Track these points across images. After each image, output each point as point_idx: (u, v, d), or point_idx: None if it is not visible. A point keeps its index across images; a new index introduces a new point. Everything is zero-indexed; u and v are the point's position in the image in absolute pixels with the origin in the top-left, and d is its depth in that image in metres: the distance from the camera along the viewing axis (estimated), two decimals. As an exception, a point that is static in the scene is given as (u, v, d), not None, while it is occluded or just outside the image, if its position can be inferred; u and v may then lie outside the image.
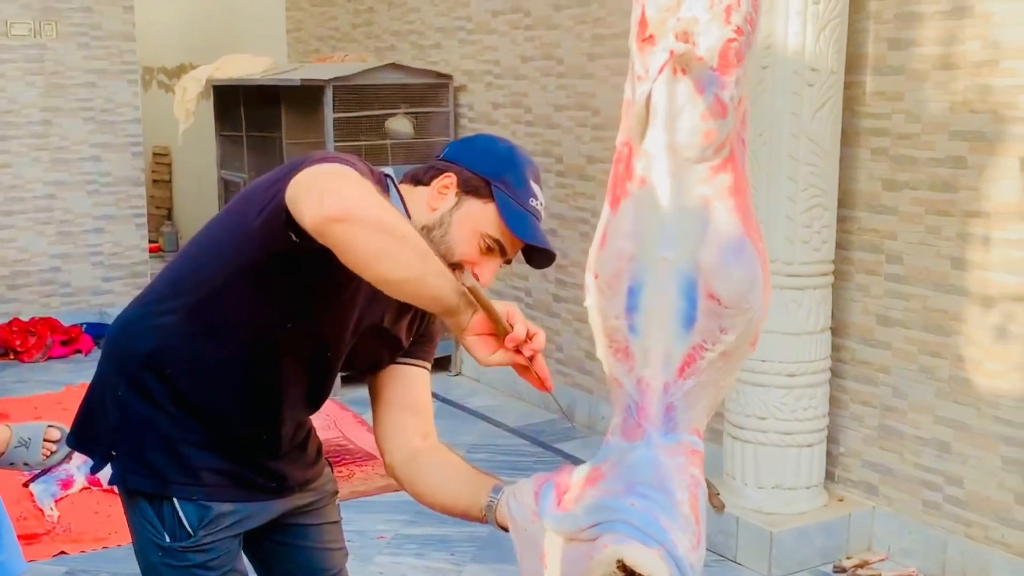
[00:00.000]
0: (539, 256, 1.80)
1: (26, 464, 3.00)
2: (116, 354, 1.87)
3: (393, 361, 1.93)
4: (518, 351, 1.62)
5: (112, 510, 4.01)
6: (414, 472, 1.85)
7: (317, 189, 1.54)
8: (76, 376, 5.76)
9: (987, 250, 3.27)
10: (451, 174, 1.76)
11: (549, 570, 1.68)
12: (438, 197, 1.76)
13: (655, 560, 1.53)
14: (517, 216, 1.74)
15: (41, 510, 3.96)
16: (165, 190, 9.67)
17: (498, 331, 1.61)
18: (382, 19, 6.29)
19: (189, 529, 1.79)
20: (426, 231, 1.73)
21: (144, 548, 1.86)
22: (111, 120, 6.63)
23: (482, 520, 1.76)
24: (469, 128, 5.57)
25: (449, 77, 5.55)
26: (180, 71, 9.23)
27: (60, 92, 6.46)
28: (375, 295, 1.72)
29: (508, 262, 1.82)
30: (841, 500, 3.72)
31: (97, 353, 5.95)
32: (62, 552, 3.69)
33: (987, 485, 3.32)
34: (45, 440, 3.00)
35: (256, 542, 2.00)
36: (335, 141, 5.30)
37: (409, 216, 1.75)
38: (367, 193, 1.55)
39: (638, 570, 1.52)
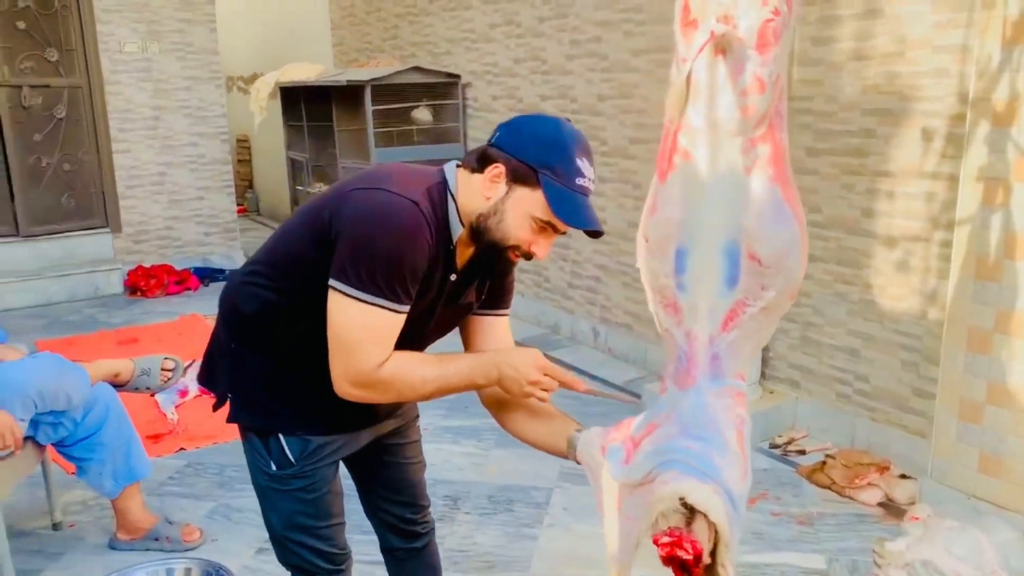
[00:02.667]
0: (589, 231, 1.40)
1: (148, 388, 2.65)
2: (227, 313, 1.54)
3: (483, 313, 1.59)
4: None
5: (219, 413, 3.64)
6: (505, 412, 1.55)
7: (346, 346, 1.36)
8: (186, 308, 5.39)
9: (891, 201, 2.90)
10: (500, 164, 1.38)
11: (618, 514, 1.32)
12: (490, 186, 1.39)
13: (710, 495, 1.19)
14: (564, 200, 1.35)
15: (164, 414, 3.58)
16: (247, 167, 9.20)
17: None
18: (405, 33, 5.77)
19: (292, 459, 1.50)
20: (482, 218, 1.39)
21: (255, 474, 1.56)
22: (204, 115, 6.14)
23: (564, 456, 1.48)
24: (475, 116, 5.13)
25: (458, 76, 5.09)
26: (253, 78, 8.68)
27: (165, 95, 5.96)
28: (444, 280, 1.45)
29: (563, 232, 1.42)
30: (772, 392, 3.40)
31: (203, 290, 5.68)
32: (181, 448, 3.31)
33: (888, 381, 3.01)
34: (162, 369, 2.66)
35: (354, 461, 1.70)
36: (374, 128, 4.86)
37: (459, 210, 1.42)
38: (374, 360, 1.36)
39: (696, 505, 1.18)
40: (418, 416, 1.79)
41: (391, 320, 1.36)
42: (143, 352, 4.49)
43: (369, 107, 4.78)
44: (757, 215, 1.23)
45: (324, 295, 1.37)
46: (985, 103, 2.35)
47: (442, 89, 5.11)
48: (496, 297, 1.61)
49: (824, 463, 2.98)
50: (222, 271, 6.18)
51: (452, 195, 1.41)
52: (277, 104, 6.05)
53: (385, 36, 6.05)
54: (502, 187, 1.38)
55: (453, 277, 1.46)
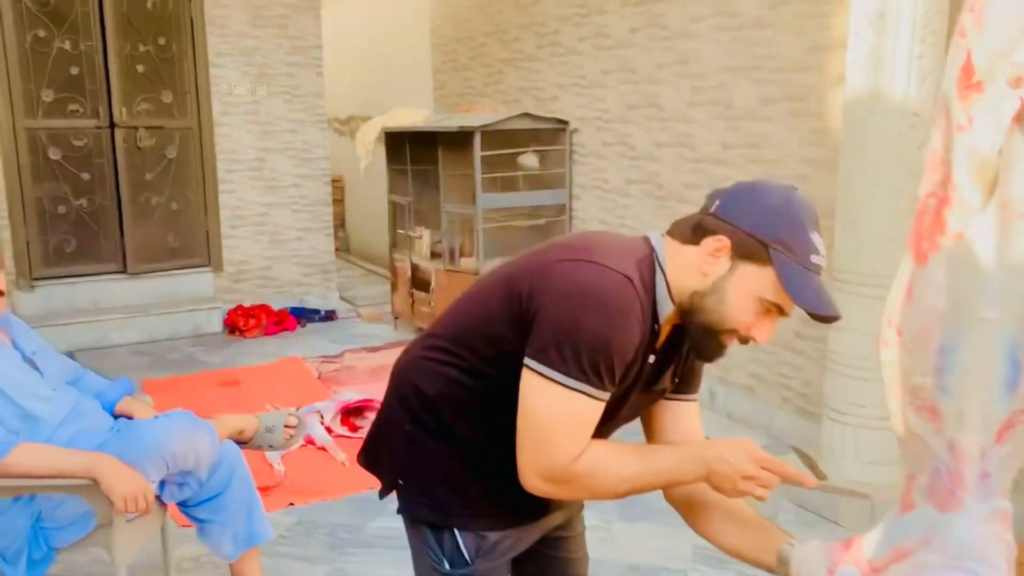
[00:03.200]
0: (823, 316, 1.23)
1: (271, 447, 2.56)
2: (402, 391, 1.40)
3: (672, 397, 1.43)
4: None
5: (328, 465, 3.56)
6: (695, 509, 1.38)
7: (540, 435, 1.22)
8: (284, 349, 5.39)
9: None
10: (724, 237, 1.22)
11: None
12: (710, 261, 1.23)
13: None
14: (799, 280, 1.19)
15: (271, 465, 3.50)
16: (340, 207, 9.31)
17: None
18: (510, 78, 5.74)
19: (467, 557, 1.37)
20: (698, 296, 1.23)
21: (423, 569, 1.43)
22: (307, 157, 6.23)
23: (772, 571, 1.27)
24: (582, 162, 5.02)
25: (566, 122, 5.00)
26: (349, 120, 8.85)
27: (270, 137, 6.07)
28: (643, 363, 1.29)
29: (786, 315, 1.25)
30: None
31: (299, 330, 5.68)
32: (291, 503, 3.23)
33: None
34: (285, 426, 2.57)
35: (520, 558, 1.52)
36: (481, 174, 4.79)
37: (669, 286, 1.26)
38: (576, 455, 1.22)
39: None
40: (583, 507, 1.64)
41: (592, 408, 1.22)
42: (244, 394, 4.52)
43: (478, 152, 4.72)
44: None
45: (517, 377, 1.23)
46: None
47: (549, 135, 5.03)
48: (687, 380, 1.45)
49: None
50: (317, 312, 6.19)
51: (662, 269, 1.26)
52: (381, 147, 6.07)
53: (488, 81, 6.03)
54: (724, 263, 1.22)
55: (652, 359, 1.31)
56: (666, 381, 1.39)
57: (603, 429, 1.35)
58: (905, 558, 1.12)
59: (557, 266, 1.23)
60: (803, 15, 3.47)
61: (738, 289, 1.21)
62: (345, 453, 3.63)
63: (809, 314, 1.22)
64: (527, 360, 1.21)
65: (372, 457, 1.49)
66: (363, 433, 3.81)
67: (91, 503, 2.03)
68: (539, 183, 5.09)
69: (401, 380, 1.42)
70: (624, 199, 4.66)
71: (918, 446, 1.16)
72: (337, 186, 9.27)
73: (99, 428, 2.23)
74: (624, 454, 1.26)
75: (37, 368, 2.21)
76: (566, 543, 1.58)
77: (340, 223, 9.34)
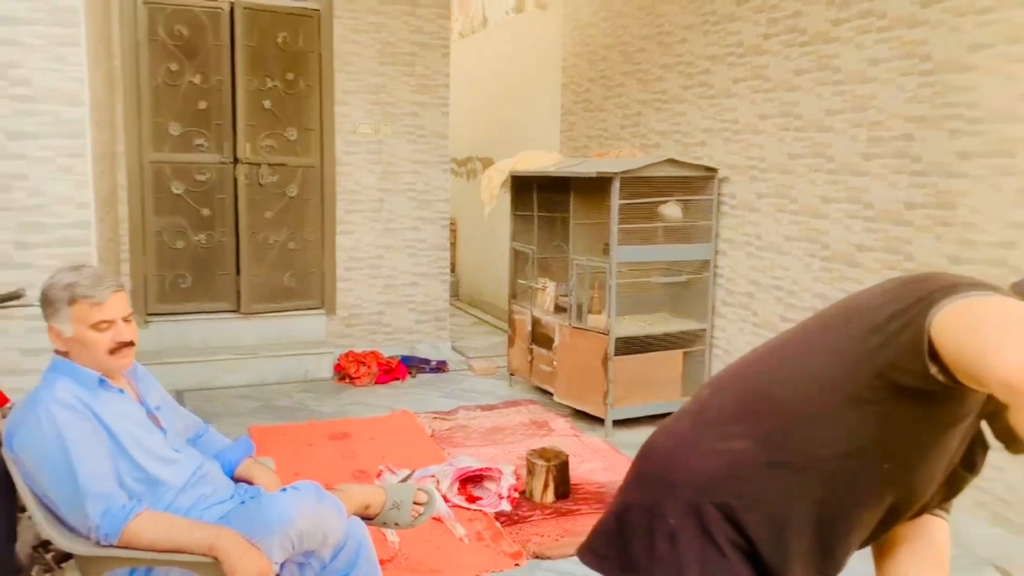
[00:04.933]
0: None
1: (396, 524, 2.40)
2: (668, 476, 1.24)
3: (935, 508, 1.29)
4: None
5: (446, 539, 3.38)
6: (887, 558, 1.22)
7: (1002, 336, 0.98)
8: (396, 402, 5.31)
9: None
10: None
11: None
12: None
13: None
14: None
15: (383, 535, 3.35)
16: (451, 251, 9.34)
17: None
18: (649, 121, 5.57)
19: None
20: None
21: None
22: (428, 199, 6.23)
23: None
24: (730, 214, 4.76)
25: (715, 170, 4.77)
26: (466, 162, 8.89)
27: (392, 177, 6.10)
28: (967, 434, 1.17)
29: None
30: None
31: (410, 381, 5.60)
32: (406, 581, 3.06)
33: None
34: (414, 503, 2.42)
35: None
36: (618, 223, 4.61)
37: None
38: None
39: None
40: None
41: None
42: (355, 449, 4.43)
43: (616, 200, 4.54)
44: None
45: (819, 465, 1.13)
46: None
47: (695, 183, 4.81)
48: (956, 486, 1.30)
49: None
50: (428, 362, 6.11)
51: None
52: (507, 192, 6.00)
53: (624, 123, 5.88)
54: None
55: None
56: (978, 458, 1.29)
57: (909, 514, 1.26)
58: None
59: (934, 295, 1.08)
60: (1011, 59, 3.15)
61: None
62: (464, 527, 3.46)
63: None
64: (933, 319, 1.05)
65: (617, 550, 1.30)
66: (482, 505, 3.66)
67: (210, 583, 1.91)
68: (681, 236, 4.87)
69: (665, 468, 1.26)
70: (781, 258, 4.37)
71: None
72: (449, 229, 9.32)
73: (221, 495, 2.14)
74: None
75: (160, 426, 2.14)
76: None
77: (451, 267, 9.35)
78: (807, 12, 4.17)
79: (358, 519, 2.26)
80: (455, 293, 9.29)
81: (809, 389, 1.17)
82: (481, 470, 3.81)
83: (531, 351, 5.42)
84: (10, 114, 3.29)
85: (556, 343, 5.08)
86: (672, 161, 4.70)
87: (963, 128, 3.36)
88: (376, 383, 5.71)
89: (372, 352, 5.95)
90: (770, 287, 4.46)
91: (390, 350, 6.11)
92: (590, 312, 4.92)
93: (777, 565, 1.17)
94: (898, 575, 1.29)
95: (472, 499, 3.74)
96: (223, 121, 5.61)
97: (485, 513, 3.61)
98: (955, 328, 1.02)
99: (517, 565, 3.18)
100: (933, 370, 1.04)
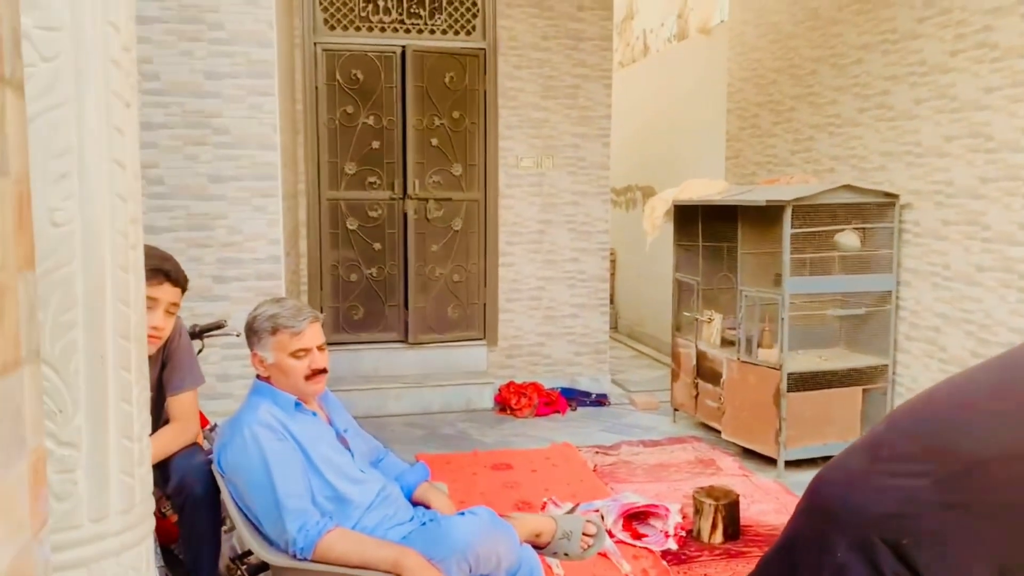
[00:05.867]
0: None
1: (566, 555, 2.47)
2: (837, 509, 1.26)
3: None
4: None
5: (607, 575, 3.42)
6: None
7: None
8: (556, 434, 5.41)
9: None
10: None
11: None
12: None
13: None
14: None
15: (549, 567, 3.41)
16: (611, 282, 9.40)
17: None
18: (822, 145, 5.44)
19: None
20: None
21: None
22: (588, 231, 6.34)
23: None
24: (913, 243, 4.56)
25: (896, 196, 4.59)
26: (626, 190, 8.96)
27: (552, 209, 6.27)
28: None
29: None
30: None
31: (570, 414, 5.68)
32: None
33: None
34: (584, 534, 2.49)
35: None
36: (791, 253, 4.52)
37: None
38: None
39: None
40: None
41: None
42: (518, 479, 4.55)
43: (787, 229, 4.47)
44: None
45: (1004, 511, 1.11)
46: None
47: (874, 210, 4.65)
48: None
49: None
50: (588, 395, 6.18)
51: None
52: (670, 222, 6.01)
53: (795, 148, 5.76)
54: None
55: None
56: None
57: None
58: None
59: None
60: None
61: None
62: (629, 564, 3.47)
63: None
64: None
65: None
66: (647, 542, 3.67)
67: (393, 599, 2.06)
68: (858, 266, 4.70)
69: (833, 495, 1.29)
70: (972, 289, 4.14)
71: None
72: (609, 259, 9.40)
73: (402, 516, 2.29)
74: None
75: (348, 447, 2.33)
76: None
77: (609, 299, 9.40)
78: (998, 26, 3.97)
79: (530, 548, 2.35)
80: (614, 325, 9.32)
81: (999, 428, 1.15)
82: (647, 507, 3.82)
83: (696, 386, 5.37)
84: (212, 159, 3.69)
85: (724, 378, 5.02)
86: (849, 187, 4.57)
87: None
88: (536, 415, 5.83)
89: (533, 383, 6.09)
90: (959, 320, 4.22)
91: (550, 382, 6.23)
92: (760, 346, 4.83)
93: None
94: None
95: (637, 536, 3.75)
96: (393, 159, 5.98)
97: (651, 551, 3.62)
98: None
99: (684, 605, 3.17)
100: None
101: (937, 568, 1.17)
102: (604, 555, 3.58)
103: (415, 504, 2.47)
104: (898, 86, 4.69)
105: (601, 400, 6.18)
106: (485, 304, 6.24)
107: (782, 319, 4.57)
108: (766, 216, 4.75)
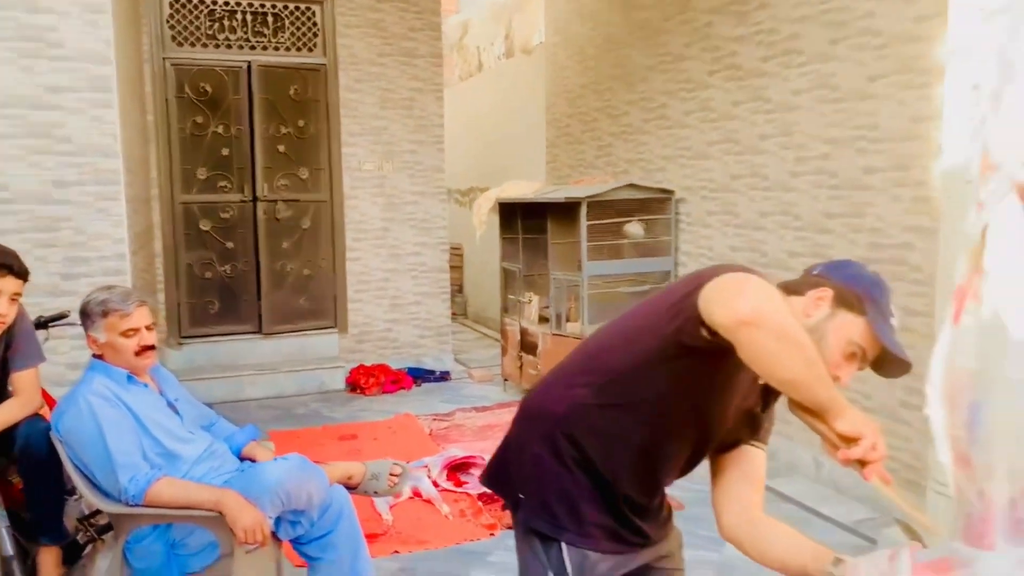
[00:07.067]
0: (894, 367, 1.45)
1: (375, 493, 2.76)
2: (533, 416, 1.61)
3: (748, 441, 1.61)
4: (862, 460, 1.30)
5: (433, 517, 3.73)
6: (756, 535, 1.52)
7: (729, 293, 1.32)
8: (400, 407, 5.67)
9: None
10: (827, 288, 1.46)
11: None
12: (815, 306, 1.45)
13: None
14: (885, 329, 1.43)
15: (379, 514, 3.71)
16: (458, 273, 9.72)
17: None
18: (619, 151, 5.95)
19: (569, 571, 1.53)
20: None
21: None
22: (427, 227, 6.63)
23: None
24: (687, 231, 5.11)
25: (671, 192, 5.12)
26: (469, 192, 9.31)
27: (394, 208, 6.51)
28: (753, 383, 1.48)
29: (861, 368, 1.45)
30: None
31: (415, 389, 5.95)
32: (395, 551, 3.40)
33: None
34: (390, 474, 2.77)
35: None
36: (587, 241, 4.97)
37: None
38: (772, 299, 1.32)
39: None
40: (682, 545, 1.76)
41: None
42: (361, 448, 4.80)
43: (584, 222, 4.91)
44: (1074, 372, 1.09)
45: (636, 407, 1.48)
46: None
47: (655, 204, 5.17)
48: (767, 428, 1.65)
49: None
50: (433, 372, 6.48)
51: None
52: (495, 217, 6.39)
53: (599, 154, 6.26)
54: (826, 309, 1.43)
55: (761, 380, 1.48)
56: (765, 420, 1.61)
57: (713, 443, 1.59)
58: (945, 574, 1.17)
59: (706, 279, 1.40)
60: (904, 86, 3.49)
61: (837, 332, 1.42)
62: (449, 506, 3.80)
63: (884, 363, 1.44)
64: (701, 292, 1.37)
65: (496, 477, 1.68)
66: (467, 488, 4.01)
67: (216, 533, 2.28)
68: (645, 251, 5.21)
69: (531, 405, 1.63)
70: (728, 267, 4.71)
71: (957, 493, 1.22)
72: (456, 253, 9.72)
73: (227, 468, 2.51)
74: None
75: (178, 413, 2.52)
76: (666, 574, 1.70)
77: (458, 288, 9.74)
78: (742, 52, 4.54)
79: (341, 487, 2.61)
80: (463, 312, 9.68)
81: (632, 351, 1.52)
82: (467, 458, 4.16)
83: (520, 358, 5.77)
84: (56, 167, 3.74)
85: (540, 349, 5.43)
86: (632, 185, 5.06)
87: (868, 147, 3.70)
88: (384, 392, 6.08)
89: (381, 365, 6.33)
90: (722, 293, 4.79)
91: (398, 363, 6.48)
92: (568, 320, 5.28)
93: (611, 479, 1.52)
94: (724, 489, 1.62)
95: (459, 483, 4.09)
96: (243, 164, 6.06)
97: (469, 494, 3.96)
98: (708, 294, 1.36)
99: (492, 535, 3.52)
100: (704, 332, 1.38)
101: (600, 452, 1.52)
102: (428, 501, 3.90)
103: (243, 460, 2.68)
104: (672, 100, 5.23)
105: (444, 376, 6.49)
106: (335, 295, 6.42)
107: (583, 297, 5.01)
108: (569, 211, 5.18)
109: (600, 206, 5.04)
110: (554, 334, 5.26)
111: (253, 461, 2.67)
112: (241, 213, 6.11)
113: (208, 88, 5.94)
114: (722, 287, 1.34)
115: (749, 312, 1.26)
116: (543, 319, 5.58)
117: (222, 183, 6.04)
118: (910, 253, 3.50)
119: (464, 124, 9.21)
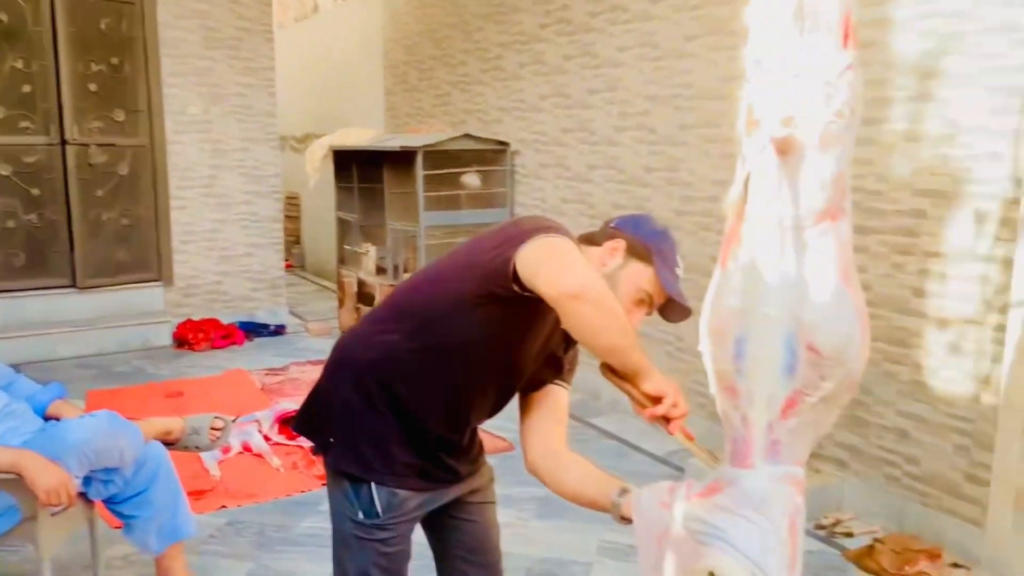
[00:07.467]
0: (677, 312, 1.58)
1: (197, 448, 2.68)
2: (344, 360, 1.63)
3: (552, 381, 1.70)
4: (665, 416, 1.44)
5: (263, 470, 3.68)
6: (554, 468, 1.61)
7: (555, 265, 1.39)
8: (231, 362, 5.49)
9: (943, 283, 2.87)
10: (621, 240, 1.57)
11: (665, 554, 1.35)
12: (609, 256, 1.56)
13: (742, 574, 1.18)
14: (670, 278, 1.55)
15: (207, 470, 3.61)
16: (295, 223, 9.43)
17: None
18: (456, 100, 5.94)
19: (379, 510, 1.57)
20: None
21: (340, 520, 1.64)
22: (259, 175, 6.36)
23: (607, 509, 1.49)
24: (522, 182, 5.22)
25: (507, 144, 5.20)
26: (305, 139, 8.99)
27: (222, 155, 6.20)
28: (555, 328, 1.55)
29: (649, 314, 1.58)
30: (818, 472, 3.32)
31: (247, 344, 5.77)
32: (223, 506, 3.33)
33: (939, 465, 2.93)
34: (211, 428, 2.70)
35: (436, 524, 1.76)
36: (424, 192, 4.97)
37: None
38: (593, 273, 1.41)
39: None
40: (493, 479, 1.83)
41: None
42: (188, 405, 4.61)
43: (420, 172, 4.90)
44: (817, 308, 1.24)
45: (447, 350, 1.52)
46: (1041, 189, 2.33)
47: (491, 156, 5.23)
48: (571, 368, 1.74)
49: (872, 547, 2.89)
50: (267, 326, 6.30)
51: None
52: (329, 165, 6.23)
53: (436, 103, 6.22)
54: (619, 259, 1.54)
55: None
56: (566, 362, 1.69)
57: (520, 384, 1.65)
58: (714, 494, 1.31)
59: (520, 236, 1.45)
60: (715, 47, 3.71)
61: (627, 280, 1.53)
62: (280, 459, 3.76)
63: (669, 309, 1.56)
64: (518, 253, 1.41)
65: (307, 422, 1.69)
66: (300, 441, 3.97)
67: (15, 496, 2.14)
68: (481, 202, 5.28)
69: (342, 351, 1.64)
70: (559, 218, 4.85)
71: (727, 422, 1.36)
72: (293, 203, 9.40)
73: (27, 428, 2.35)
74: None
75: (-32, 372, 2.33)
76: (481, 509, 1.77)
77: (295, 240, 9.45)
78: (572, 6, 4.64)
79: (158, 443, 2.52)
80: (301, 264, 9.42)
81: (441, 297, 1.56)
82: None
83: (358, 309, 5.72)
84: None
85: (376, 300, 5.41)
86: (468, 136, 5.09)
87: (683, 105, 3.91)
88: (214, 347, 5.85)
89: (211, 319, 6.08)
90: (553, 243, 4.95)
91: (229, 317, 6.24)
92: (405, 271, 5.28)
93: (421, 420, 1.57)
94: (530, 427, 1.71)
95: (292, 436, 4.03)
96: (49, 104, 5.54)
97: (302, 447, 3.92)
98: (528, 259, 1.41)
99: (324, 485, 3.51)
100: (515, 287, 1.44)
101: (410, 395, 1.56)
102: (259, 455, 3.83)
103: (49, 419, 2.52)
104: (507, 52, 5.27)
105: (279, 330, 6.33)
106: (159, 247, 6.06)
107: (420, 248, 5.03)
108: (407, 160, 5.14)
109: (437, 156, 5.04)
110: (391, 285, 5.25)
111: (59, 420, 2.52)
112: (49, 157, 5.59)
113: (3, 18, 5.34)
114: (546, 256, 1.40)
115: (575, 287, 1.34)
116: (381, 270, 5.55)
117: (24, 123, 5.49)
118: (717, 206, 3.73)
119: (300, 68, 8.84)
